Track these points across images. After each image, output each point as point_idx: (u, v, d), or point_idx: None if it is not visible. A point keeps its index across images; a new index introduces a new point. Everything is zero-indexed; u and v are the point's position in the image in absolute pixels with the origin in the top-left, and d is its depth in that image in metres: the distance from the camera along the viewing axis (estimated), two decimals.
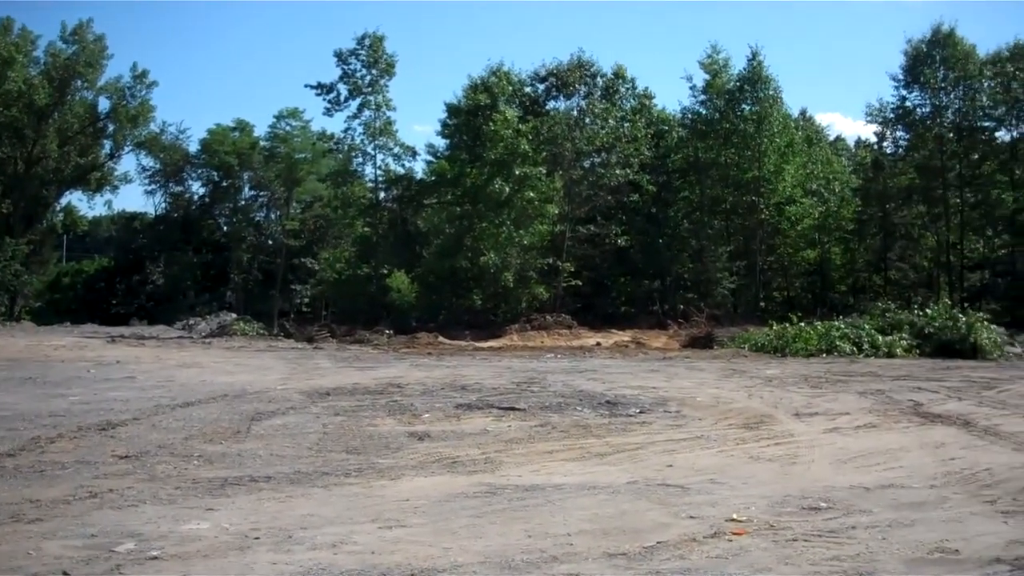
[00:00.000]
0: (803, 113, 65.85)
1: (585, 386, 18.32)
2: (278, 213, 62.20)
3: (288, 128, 58.51)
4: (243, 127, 61.67)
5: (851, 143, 70.12)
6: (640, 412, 14.54)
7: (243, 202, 63.35)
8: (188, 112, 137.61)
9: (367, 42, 46.63)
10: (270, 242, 62.53)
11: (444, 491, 8.78)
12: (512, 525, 7.47)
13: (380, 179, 48.96)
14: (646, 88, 52.85)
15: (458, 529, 7.31)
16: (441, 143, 48.38)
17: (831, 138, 68.88)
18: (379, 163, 48.47)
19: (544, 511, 7.96)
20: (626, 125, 48.33)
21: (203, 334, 38.46)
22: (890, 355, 28.49)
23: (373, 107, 47.33)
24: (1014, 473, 9.75)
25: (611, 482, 9.21)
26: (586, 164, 48.61)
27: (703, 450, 11.25)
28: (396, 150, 48.54)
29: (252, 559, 6.44)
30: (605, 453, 10.93)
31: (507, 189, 40.81)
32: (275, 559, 6.43)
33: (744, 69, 48.95)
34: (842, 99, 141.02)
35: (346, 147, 48.31)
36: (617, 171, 46.72)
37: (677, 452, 11.04)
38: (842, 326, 31.21)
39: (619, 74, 50.13)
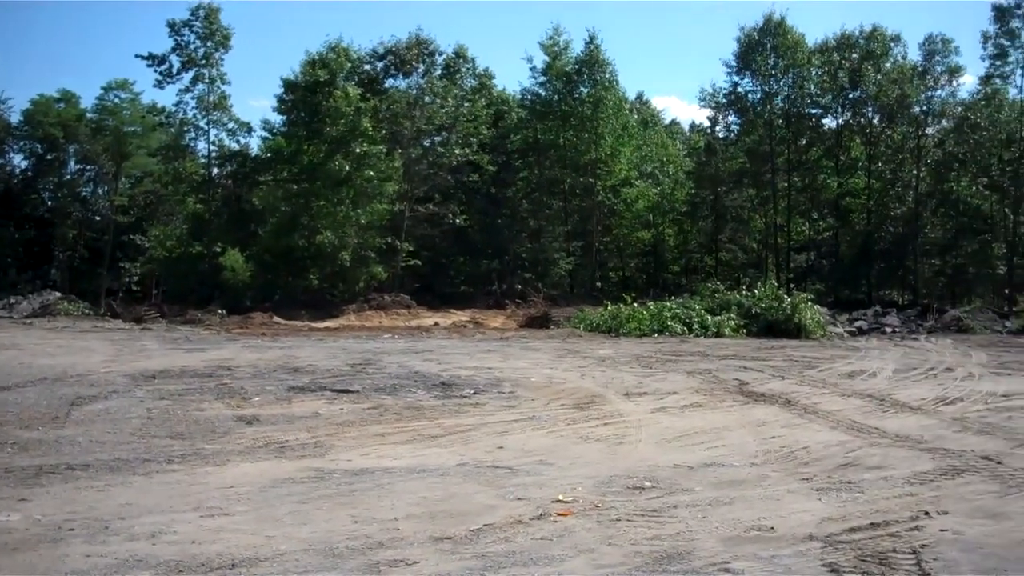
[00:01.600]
0: (640, 97, 67.14)
1: (421, 367, 18.29)
2: (106, 188, 59.66)
3: (117, 100, 56.12)
4: (69, 98, 58.80)
5: (686, 127, 71.92)
6: (474, 393, 14.61)
7: (69, 176, 60.44)
8: (8, 81, 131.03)
9: (202, 13, 45.20)
10: (97, 218, 59.97)
11: (271, 477, 8.66)
12: (339, 511, 7.41)
13: (214, 155, 47.59)
14: (486, 68, 53.05)
15: (283, 516, 7.21)
16: (278, 119, 47.37)
17: (667, 122, 70.56)
18: (213, 138, 47.07)
19: (372, 495, 7.92)
20: (466, 105, 48.29)
21: (24, 314, 36.69)
22: (719, 335, 29.37)
23: (207, 80, 45.88)
24: (830, 451, 10.21)
25: (441, 465, 9.24)
26: (426, 143, 48.37)
27: (534, 431, 11.38)
28: (231, 125, 47.25)
29: (65, 551, 6.22)
30: (437, 435, 10.95)
31: (347, 167, 40.28)
32: (89, 551, 6.22)
33: (582, 52, 49.54)
34: (679, 83, 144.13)
35: (178, 121, 46.70)
36: (457, 151, 46.68)
37: (509, 433, 11.14)
38: (674, 306, 31.97)
39: (460, 54, 50.04)
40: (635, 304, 32.69)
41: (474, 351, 23.05)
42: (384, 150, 41.86)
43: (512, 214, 50.48)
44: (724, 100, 53.57)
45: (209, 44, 45.54)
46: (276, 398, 13.91)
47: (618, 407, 13.37)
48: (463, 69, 50.38)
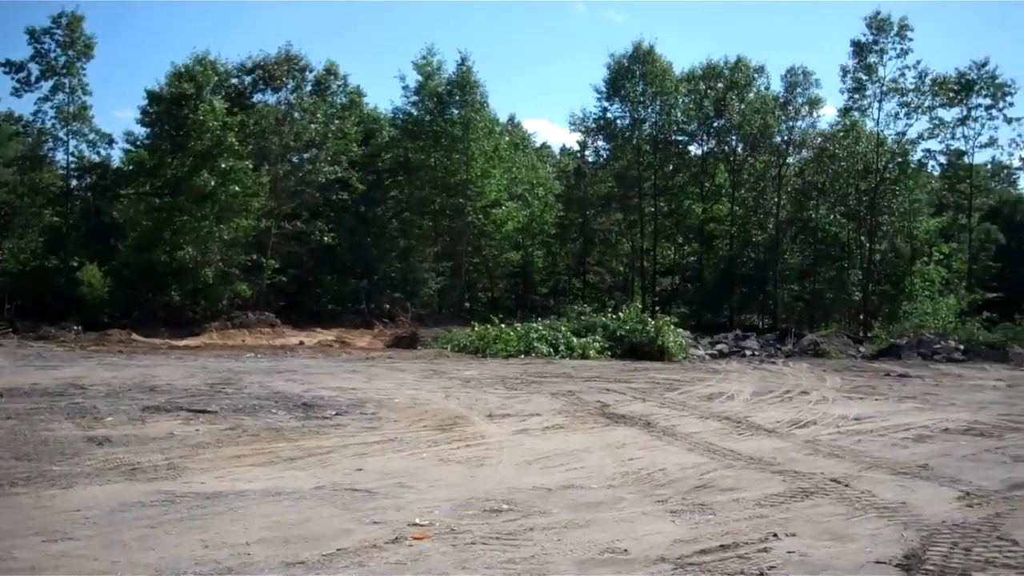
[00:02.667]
0: (511, 119, 67.76)
1: (282, 387, 18.01)
2: None
3: None
4: None
5: (556, 150, 72.77)
6: (336, 414, 14.45)
7: None
8: None
9: (64, 21, 43.90)
10: None
11: (120, 500, 8.40)
12: (189, 535, 7.23)
13: (73, 166, 46.19)
14: (358, 86, 52.71)
15: (130, 541, 7.00)
16: (142, 131, 46.12)
17: (537, 144, 71.27)
18: (72, 149, 45.76)
19: (225, 519, 7.75)
20: (336, 122, 47.84)
21: None
22: (584, 356, 29.71)
23: (67, 90, 44.61)
24: (685, 473, 10.40)
25: (298, 487, 9.10)
26: (294, 160, 47.78)
27: (395, 453, 11.31)
28: (91, 136, 45.95)
29: None
30: (295, 457, 10.78)
31: (211, 182, 39.48)
32: None
33: (454, 73, 49.75)
34: (550, 107, 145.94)
35: (36, 131, 45.30)
36: (326, 168, 46.17)
37: (369, 455, 11.05)
38: (540, 328, 32.22)
39: (330, 70, 49.56)
40: (503, 325, 32.82)
41: (339, 371, 22.80)
42: (250, 165, 41.20)
43: (381, 233, 50.17)
44: (594, 125, 54.72)
45: (71, 53, 44.25)
46: (129, 418, 13.51)
47: (481, 429, 13.39)
48: (334, 86, 49.93)
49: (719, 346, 35.24)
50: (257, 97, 47.71)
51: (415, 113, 50.62)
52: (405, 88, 50.74)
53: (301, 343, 34.16)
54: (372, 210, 50.07)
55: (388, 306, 46.29)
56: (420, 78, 50.08)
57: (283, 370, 22.55)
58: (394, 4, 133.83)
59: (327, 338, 36.60)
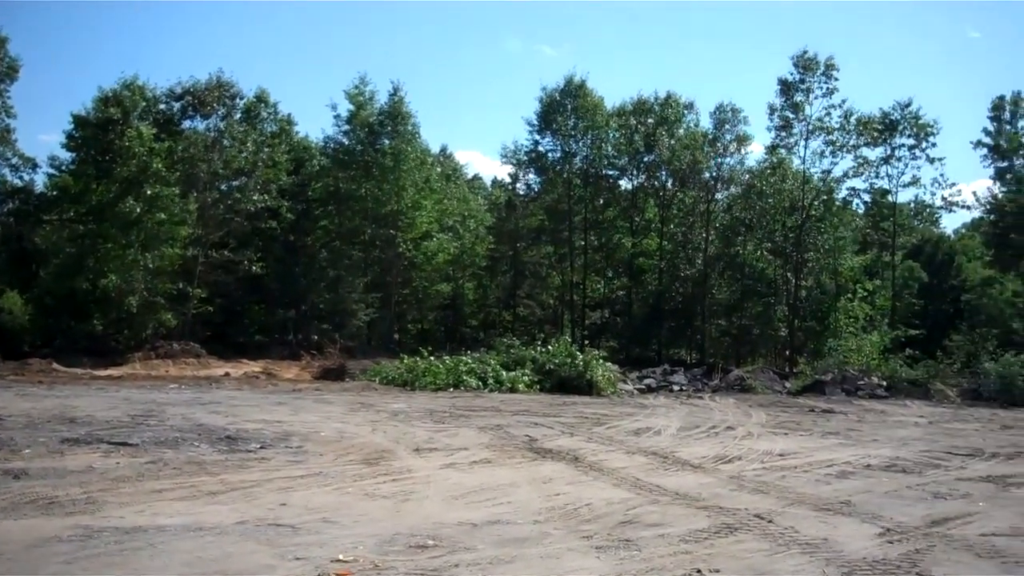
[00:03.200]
0: (443, 150, 67.78)
1: (206, 420, 17.73)
2: None
3: None
4: None
5: (488, 182, 72.88)
6: (261, 448, 14.25)
7: None
8: None
9: None
10: None
11: (36, 535, 8.19)
12: (107, 571, 7.08)
13: None
14: (288, 114, 52.38)
15: None
16: (67, 156, 45.35)
17: (469, 176, 71.34)
18: None
19: (144, 555, 7.60)
20: (266, 150, 47.43)
21: None
22: (513, 390, 29.72)
23: None
24: (611, 508, 10.42)
25: (220, 523, 8.95)
26: (223, 187, 47.24)
27: (320, 487, 11.18)
28: (15, 160, 45.16)
29: None
30: (218, 492, 10.61)
31: (137, 209, 38.87)
32: None
33: (386, 104, 49.66)
34: (482, 139, 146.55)
35: None
36: (255, 196, 45.73)
37: (293, 490, 10.91)
38: (470, 361, 32.19)
39: (261, 98, 49.20)
40: (432, 358, 32.70)
41: (264, 403, 22.52)
42: (178, 192, 40.67)
43: (310, 263, 49.78)
44: (525, 158, 54.86)
45: None
46: (48, 450, 13.20)
47: (407, 463, 13.30)
48: (264, 113, 49.57)
49: (647, 380, 35.45)
50: (186, 123, 47.10)
51: (346, 143, 50.33)
52: (337, 117, 50.45)
53: (227, 374, 33.67)
54: (301, 240, 49.69)
55: (316, 337, 45.90)
56: (352, 107, 49.86)
57: (207, 402, 22.21)
58: (327, 33, 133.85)
59: (253, 369, 36.10)
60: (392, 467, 12.87)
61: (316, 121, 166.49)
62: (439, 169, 58.19)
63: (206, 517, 9.20)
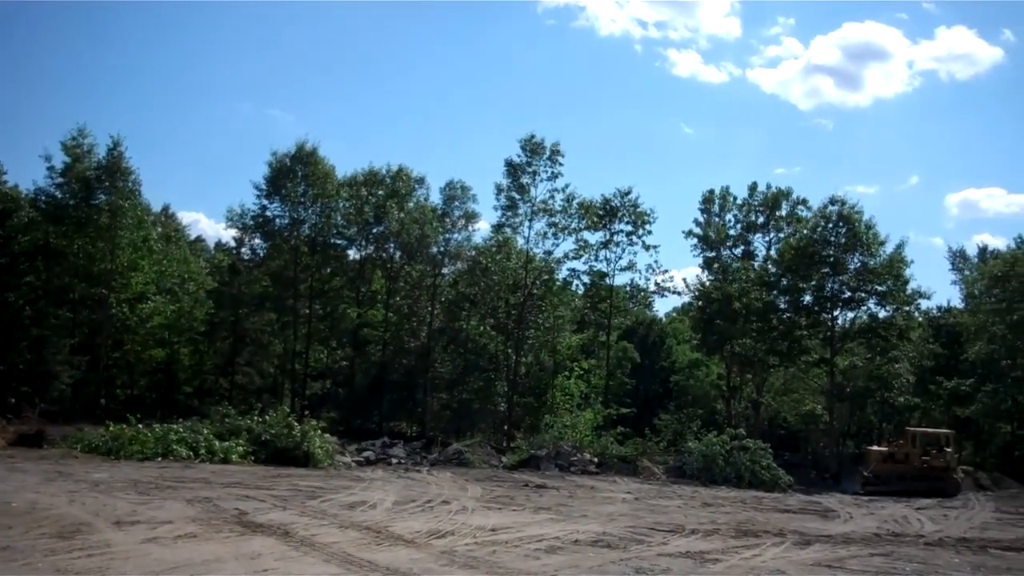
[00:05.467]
0: (166, 210, 65.50)
1: None
2: None
3: None
4: None
5: (211, 244, 70.91)
6: None
7: None
8: None
9: None
10: None
11: None
12: None
13: None
14: None
15: None
16: None
17: (191, 238, 69.20)
18: None
19: None
20: None
21: None
22: (226, 460, 28.85)
23: None
24: None
25: None
26: None
27: (4, 563, 10.29)
28: None
29: None
30: None
31: None
32: None
33: (105, 158, 47.39)
34: (207, 200, 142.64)
35: None
36: None
37: None
38: (181, 430, 31.08)
39: None
40: (140, 425, 31.20)
41: None
42: None
43: (13, 321, 46.47)
44: (252, 222, 53.71)
45: None
46: None
47: (107, 537, 12.51)
48: None
49: (366, 453, 35.22)
50: None
51: (59, 196, 47.66)
52: (50, 168, 47.73)
53: None
54: (3, 296, 46.38)
55: (13, 400, 42.76)
56: (68, 159, 47.34)
57: None
58: (42, 81, 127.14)
59: None
60: (89, 541, 12.06)
61: (28, 172, 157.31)
62: (160, 229, 56.08)
63: None
